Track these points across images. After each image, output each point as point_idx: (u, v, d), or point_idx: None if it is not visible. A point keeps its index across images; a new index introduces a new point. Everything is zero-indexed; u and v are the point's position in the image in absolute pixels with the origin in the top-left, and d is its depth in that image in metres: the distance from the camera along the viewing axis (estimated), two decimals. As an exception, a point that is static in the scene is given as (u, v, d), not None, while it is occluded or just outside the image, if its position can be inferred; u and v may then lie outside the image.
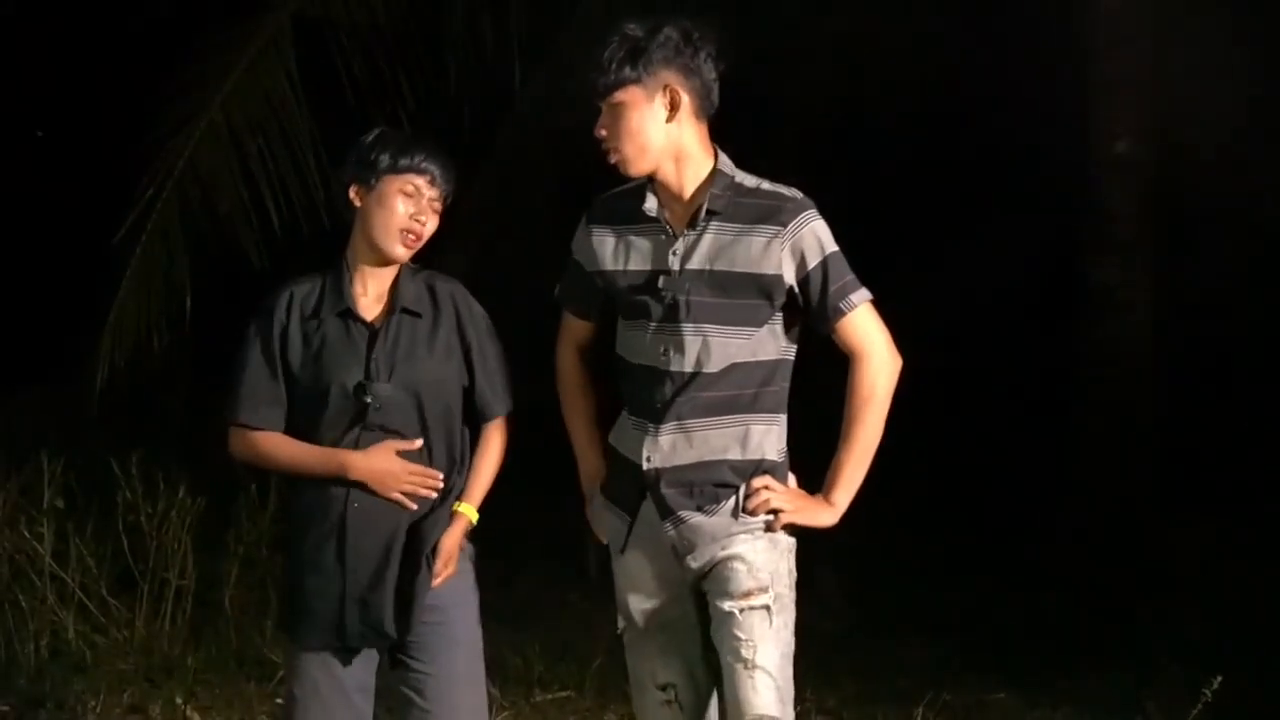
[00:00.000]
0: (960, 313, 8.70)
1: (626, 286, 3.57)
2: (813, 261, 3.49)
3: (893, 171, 8.66)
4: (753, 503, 3.53)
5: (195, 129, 7.08)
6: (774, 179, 3.59)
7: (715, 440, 3.52)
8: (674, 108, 3.49)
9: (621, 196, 3.62)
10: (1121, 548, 7.06)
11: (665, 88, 3.48)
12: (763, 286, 3.49)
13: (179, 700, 5.60)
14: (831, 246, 3.52)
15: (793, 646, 3.56)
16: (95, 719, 5.54)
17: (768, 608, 3.48)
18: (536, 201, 7.73)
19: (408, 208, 3.68)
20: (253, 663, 6.03)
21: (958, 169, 8.64)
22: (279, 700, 4.76)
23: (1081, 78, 7.35)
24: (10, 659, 5.91)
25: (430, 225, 3.71)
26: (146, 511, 6.20)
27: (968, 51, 7.93)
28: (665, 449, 3.53)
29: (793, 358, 3.60)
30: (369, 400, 3.63)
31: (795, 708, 3.59)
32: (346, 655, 3.70)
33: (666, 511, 3.54)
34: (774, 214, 3.50)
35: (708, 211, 3.51)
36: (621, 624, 3.67)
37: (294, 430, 3.69)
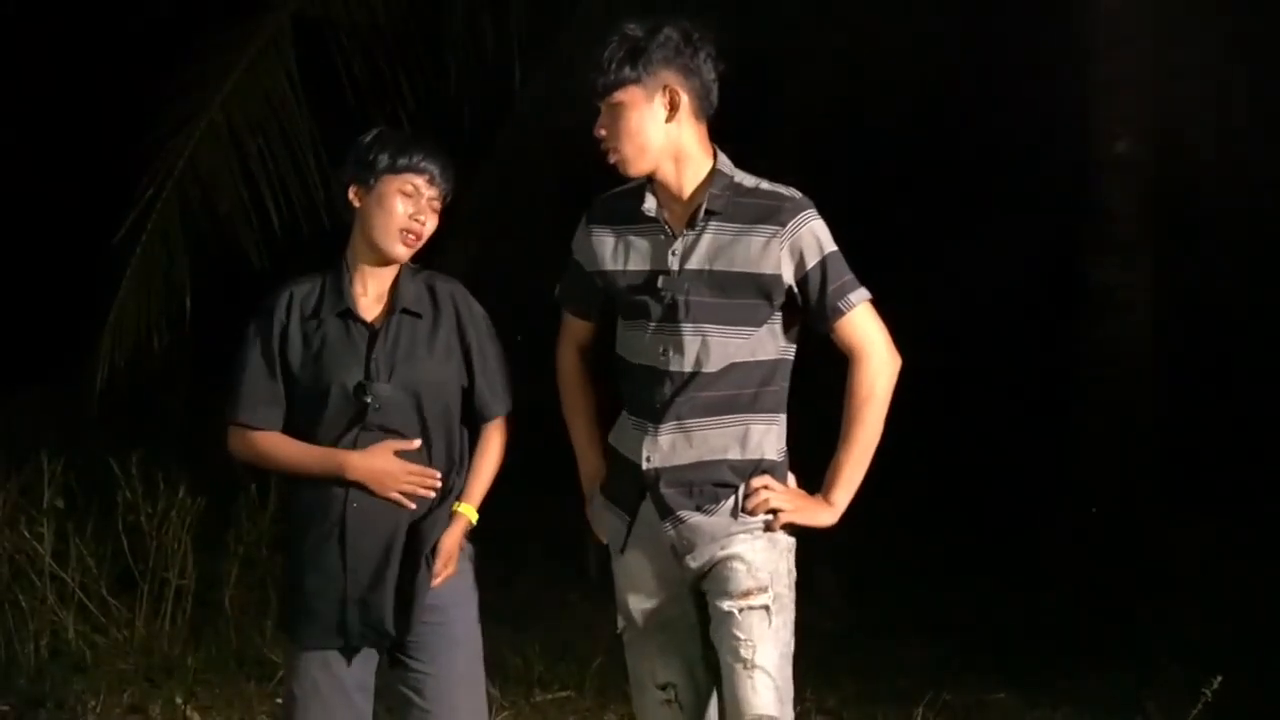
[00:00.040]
0: (960, 313, 8.70)
1: (626, 286, 3.57)
2: (811, 261, 3.49)
3: (893, 171, 8.66)
4: (752, 502, 3.53)
5: (195, 129, 7.08)
6: (774, 179, 3.59)
7: (715, 440, 3.52)
8: (673, 108, 3.49)
9: (621, 196, 3.62)
10: (1121, 548, 7.06)
11: (665, 88, 3.48)
12: (762, 286, 3.49)
13: (179, 700, 5.60)
14: (830, 246, 3.52)
15: (792, 646, 3.56)
16: (95, 719, 5.54)
17: (767, 608, 3.48)
18: (536, 201, 7.72)
19: (407, 207, 3.67)
20: (253, 663, 6.03)
21: (958, 169, 8.64)
22: (279, 700, 4.76)
23: (1081, 78, 7.35)
24: (10, 659, 5.92)
25: (430, 225, 3.71)
26: (146, 511, 6.21)
27: (968, 51, 7.93)
28: (665, 449, 3.53)
29: (792, 357, 3.60)
30: (369, 400, 3.63)
31: (795, 708, 3.59)
32: (346, 655, 3.70)
33: (666, 511, 3.54)
34: (773, 214, 3.50)
35: (707, 211, 3.51)
36: (621, 624, 3.68)
37: (293, 430, 3.70)
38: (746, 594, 3.49)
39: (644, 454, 3.54)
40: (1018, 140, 8.15)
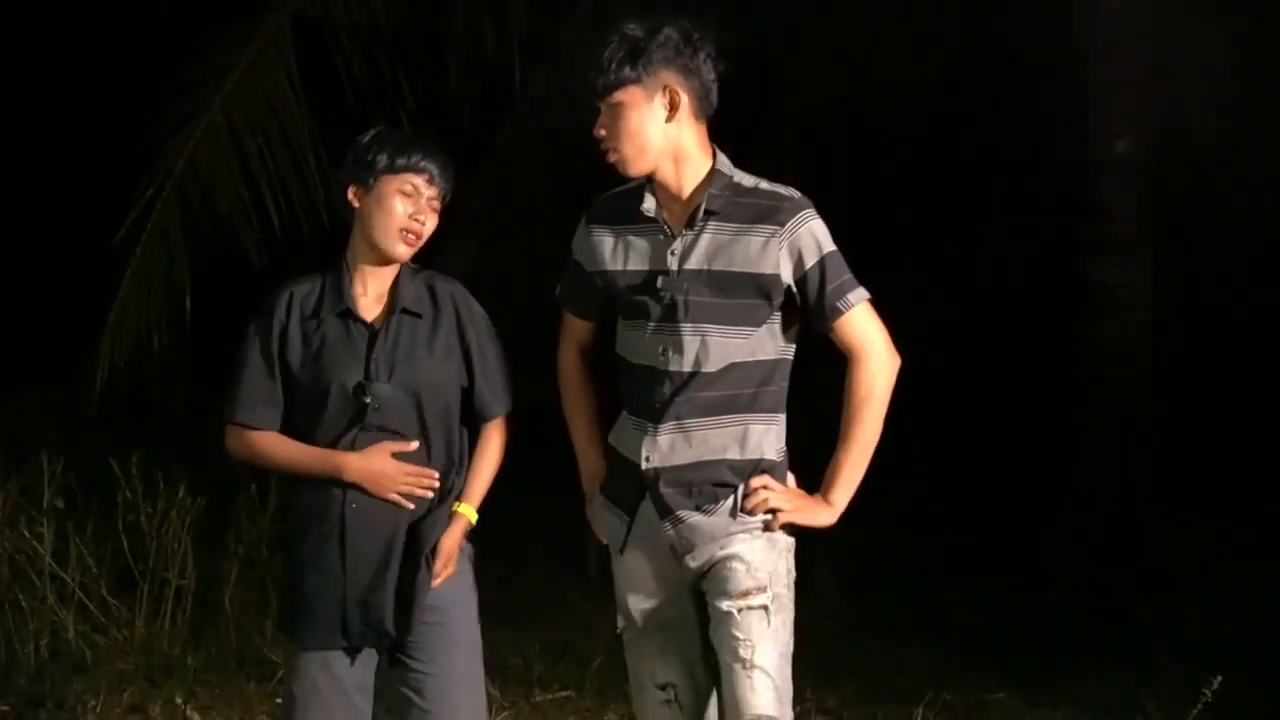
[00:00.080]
0: (960, 313, 8.70)
1: (625, 286, 3.57)
2: (810, 261, 3.49)
3: (893, 171, 8.66)
4: (751, 502, 3.53)
5: (195, 129, 7.08)
6: (774, 179, 3.59)
7: (714, 440, 3.52)
8: (673, 108, 3.49)
9: (621, 196, 3.63)
10: (1121, 548, 7.06)
11: (665, 88, 3.48)
12: (761, 286, 3.49)
13: (179, 700, 5.60)
14: (829, 246, 3.52)
15: (791, 646, 3.56)
16: (95, 719, 5.54)
17: (766, 608, 3.48)
18: (536, 201, 7.73)
19: (406, 207, 3.67)
20: (253, 663, 6.03)
21: (958, 169, 8.64)
22: (279, 700, 4.76)
23: (1081, 78, 7.35)
24: (10, 659, 5.91)
25: (430, 224, 3.71)
26: (146, 511, 6.20)
27: (968, 51, 7.93)
28: (664, 449, 3.53)
29: (791, 357, 3.60)
30: (368, 400, 3.63)
31: (795, 708, 3.59)
32: (346, 655, 3.70)
33: (665, 511, 3.54)
34: (772, 214, 3.50)
35: (706, 211, 3.51)
36: (621, 623, 3.68)
37: (292, 430, 3.69)
38: (745, 594, 3.49)
39: (643, 454, 3.54)
40: (1018, 140, 8.15)
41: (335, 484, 3.63)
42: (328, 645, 3.68)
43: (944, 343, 8.24)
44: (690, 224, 3.52)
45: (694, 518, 3.53)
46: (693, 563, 3.55)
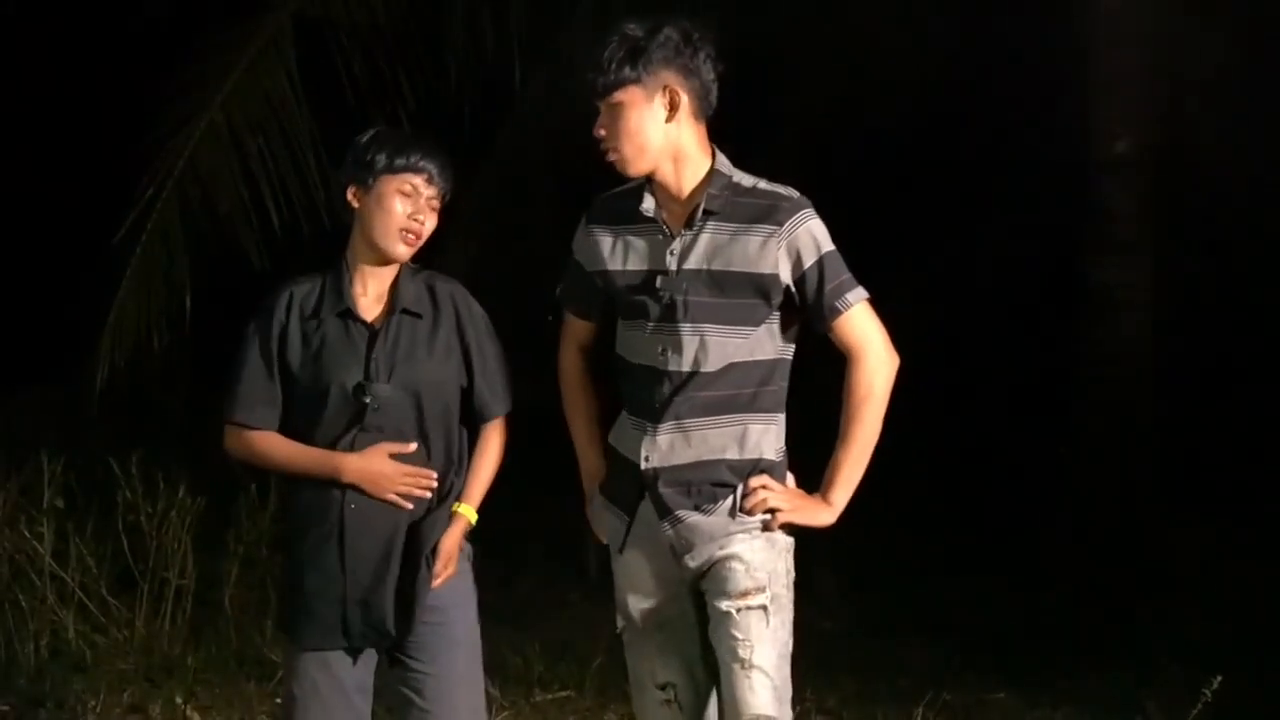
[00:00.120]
0: (960, 312, 8.70)
1: (625, 286, 3.57)
2: (809, 260, 3.49)
3: (893, 171, 8.66)
4: (750, 502, 3.53)
5: (195, 129, 7.08)
6: (774, 179, 3.59)
7: (713, 440, 3.52)
8: (673, 108, 3.50)
9: (621, 196, 3.63)
10: (1121, 548, 7.05)
11: (665, 88, 3.48)
12: (759, 286, 3.49)
13: (179, 700, 5.60)
14: (828, 245, 3.52)
15: (790, 646, 3.56)
16: (95, 719, 5.54)
17: (765, 608, 3.48)
18: (536, 201, 7.72)
19: (406, 207, 3.67)
20: (253, 663, 6.03)
21: (958, 169, 8.64)
22: (279, 700, 4.76)
23: (1081, 78, 7.35)
24: (10, 659, 5.92)
25: (429, 224, 3.71)
26: (146, 511, 6.20)
27: (968, 51, 7.93)
28: (663, 448, 3.53)
29: (791, 357, 3.60)
30: (368, 401, 3.63)
31: (795, 708, 3.59)
32: (346, 655, 3.70)
33: (664, 511, 3.54)
34: (770, 213, 3.50)
35: (704, 211, 3.51)
36: (620, 623, 3.68)
37: (292, 430, 3.69)
38: (744, 594, 3.49)
39: (643, 454, 3.54)
40: (1018, 140, 8.15)
41: (334, 485, 3.63)
42: (327, 645, 3.68)
43: (944, 343, 8.23)
44: (689, 224, 3.52)
45: (693, 517, 3.53)
46: (692, 562, 3.55)
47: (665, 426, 3.52)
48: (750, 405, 3.53)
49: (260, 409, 3.69)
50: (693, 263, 3.51)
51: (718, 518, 3.53)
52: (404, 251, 3.69)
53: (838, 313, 3.52)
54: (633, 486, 3.58)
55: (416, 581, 3.65)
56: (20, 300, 9.82)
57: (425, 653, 3.70)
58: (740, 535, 3.53)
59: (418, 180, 3.67)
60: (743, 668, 3.46)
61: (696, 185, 3.53)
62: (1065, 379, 7.57)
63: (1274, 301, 8.20)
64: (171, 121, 7.15)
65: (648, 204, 3.55)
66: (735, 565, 3.50)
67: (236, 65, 7.15)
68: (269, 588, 6.20)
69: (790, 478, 3.62)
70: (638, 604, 3.62)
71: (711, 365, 3.50)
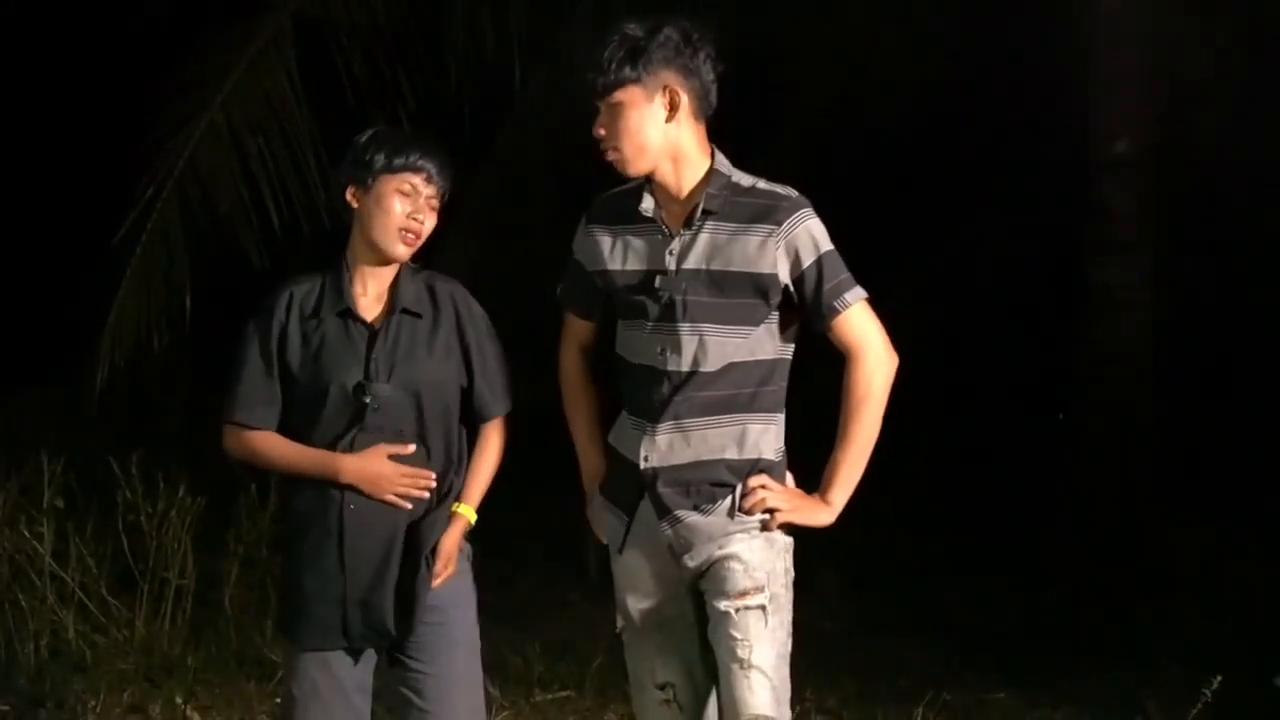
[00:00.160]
0: (960, 312, 8.70)
1: (624, 286, 3.58)
2: (807, 260, 3.49)
3: (893, 171, 8.66)
4: (749, 502, 3.53)
5: (195, 129, 7.08)
6: (774, 179, 3.59)
7: (713, 440, 3.52)
8: (673, 108, 3.50)
9: (620, 196, 3.63)
10: (1121, 548, 7.06)
11: (665, 88, 3.48)
12: (758, 285, 3.49)
13: (179, 700, 5.60)
14: (826, 245, 3.52)
15: (789, 646, 3.56)
16: (95, 719, 5.54)
17: (763, 607, 3.48)
18: (536, 201, 7.73)
19: (405, 206, 3.67)
20: (253, 663, 6.03)
21: (958, 169, 8.64)
22: (279, 700, 4.76)
23: (1081, 78, 7.35)
24: (10, 659, 5.91)
25: (429, 223, 3.71)
26: (146, 511, 6.20)
27: (968, 51, 7.93)
28: (662, 448, 3.53)
29: (790, 357, 3.60)
30: (368, 400, 3.63)
31: (795, 708, 3.59)
32: (345, 655, 3.70)
33: (663, 511, 3.54)
34: (769, 213, 3.50)
35: (703, 211, 3.51)
36: (620, 623, 3.68)
37: (291, 430, 3.69)
38: (743, 594, 3.49)
39: (642, 453, 3.54)
40: (1018, 140, 8.15)
41: (333, 485, 3.63)
42: (327, 646, 3.68)
43: (944, 343, 8.23)
44: (688, 224, 3.53)
45: (692, 517, 3.53)
46: (691, 562, 3.55)
47: (664, 426, 3.52)
48: (749, 405, 3.53)
49: (259, 409, 3.69)
50: (692, 262, 3.51)
51: (716, 517, 3.53)
52: (403, 251, 3.69)
53: (836, 312, 3.52)
54: (632, 486, 3.58)
55: (416, 582, 3.65)
56: (20, 300, 9.82)
57: (425, 653, 3.70)
58: (739, 535, 3.53)
59: (416, 180, 3.67)
60: (741, 668, 3.46)
61: (696, 185, 3.53)
62: (1065, 379, 7.57)
63: (1274, 301, 8.20)
64: (171, 121, 7.15)
65: (647, 204, 3.55)
66: (734, 565, 3.50)
67: (236, 65, 7.15)
68: (269, 588, 6.20)
69: (789, 477, 3.62)
70: (637, 604, 3.62)
71: (710, 365, 3.49)
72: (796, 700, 3.60)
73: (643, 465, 3.54)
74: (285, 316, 3.70)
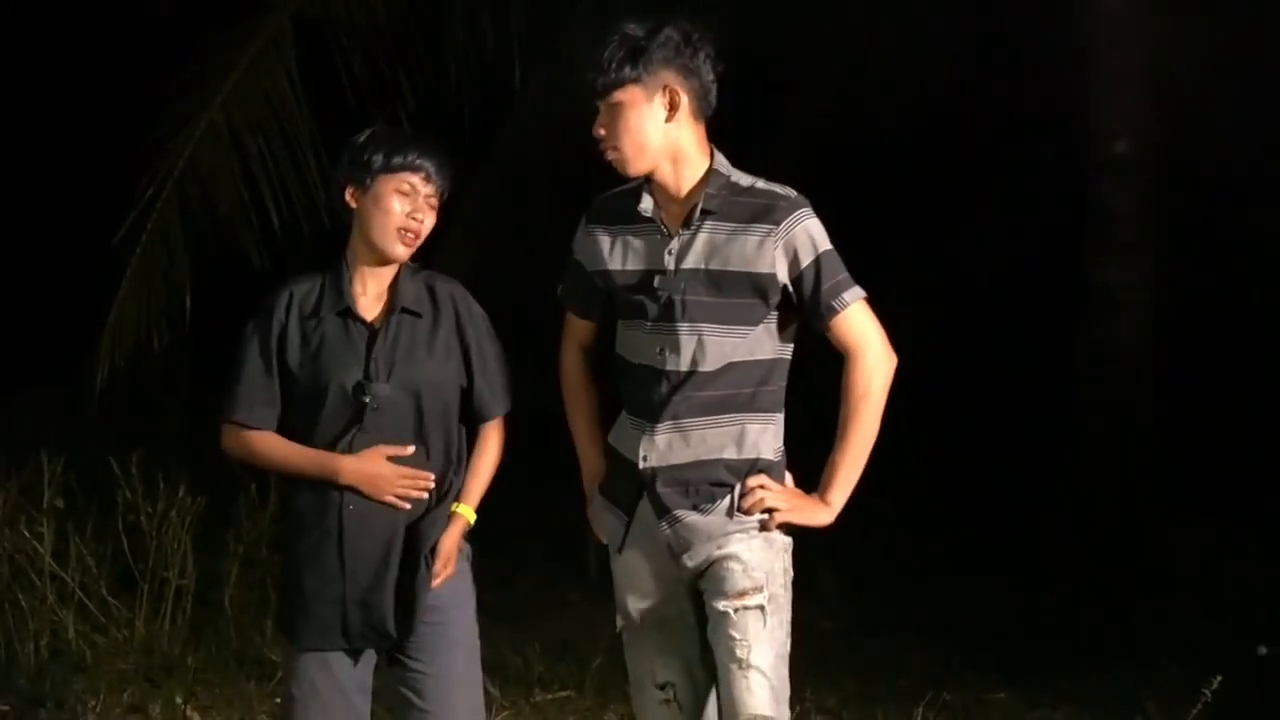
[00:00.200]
0: (960, 312, 8.70)
1: (624, 286, 3.58)
2: (806, 260, 3.49)
3: (893, 171, 8.66)
4: (747, 502, 3.53)
5: (195, 129, 7.08)
6: (774, 179, 3.59)
7: (712, 439, 3.52)
8: (673, 108, 3.50)
9: (620, 196, 3.63)
10: (1121, 548, 7.06)
11: (665, 88, 3.48)
12: (757, 285, 3.49)
13: (179, 700, 5.60)
14: (825, 245, 3.52)
15: (788, 646, 3.56)
16: (95, 719, 5.54)
17: (762, 607, 3.48)
18: (536, 201, 7.73)
19: (404, 206, 3.67)
20: (253, 663, 6.03)
21: (958, 169, 8.64)
22: (279, 700, 4.76)
23: (1081, 78, 7.35)
24: (10, 659, 5.92)
25: (428, 222, 3.70)
26: (146, 511, 6.20)
27: (968, 51, 7.93)
28: (662, 448, 3.53)
29: (789, 357, 3.60)
30: (367, 400, 3.62)
31: (795, 708, 3.59)
32: (345, 656, 3.70)
33: (663, 510, 3.54)
34: (768, 213, 3.50)
35: (702, 211, 3.51)
36: (620, 623, 3.68)
37: (290, 430, 3.69)
38: (742, 594, 3.48)
39: (641, 453, 3.54)
40: (1018, 140, 8.15)
41: (333, 486, 3.63)
42: (327, 646, 3.68)
43: (944, 343, 8.23)
44: (687, 223, 3.53)
45: (691, 517, 3.53)
46: (690, 562, 3.55)
47: (663, 426, 3.52)
48: (748, 405, 3.53)
49: (259, 408, 3.69)
50: (690, 262, 3.51)
51: (715, 517, 3.53)
52: (403, 251, 3.69)
53: (835, 312, 3.52)
54: (631, 486, 3.58)
55: (416, 582, 3.65)
56: (20, 300, 9.82)
57: (424, 653, 3.70)
58: (738, 535, 3.52)
59: (415, 179, 3.67)
60: (740, 668, 3.45)
61: (695, 185, 3.53)
62: (1065, 379, 7.57)
63: (1274, 301, 8.20)
64: (171, 121, 7.15)
65: (646, 204, 3.55)
66: (733, 565, 3.50)
67: (236, 65, 7.15)
68: (269, 588, 6.20)
69: (789, 477, 3.62)
70: (637, 604, 3.62)
71: (709, 365, 3.49)
72: (796, 700, 3.60)
73: (642, 465, 3.54)
74: (285, 316, 3.70)
